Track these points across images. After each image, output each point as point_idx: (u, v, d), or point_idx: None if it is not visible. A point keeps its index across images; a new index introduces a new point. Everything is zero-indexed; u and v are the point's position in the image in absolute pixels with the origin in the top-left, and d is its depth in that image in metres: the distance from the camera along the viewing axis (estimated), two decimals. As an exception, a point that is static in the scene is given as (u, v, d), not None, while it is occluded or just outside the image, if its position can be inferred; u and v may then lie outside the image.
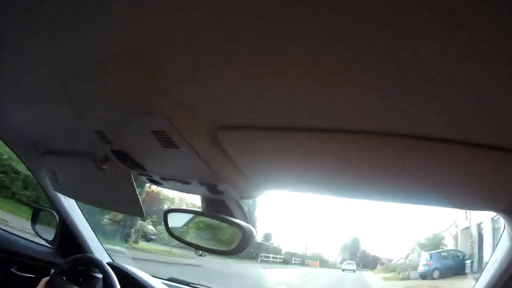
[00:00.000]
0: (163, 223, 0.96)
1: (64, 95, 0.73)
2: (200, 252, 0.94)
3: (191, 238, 0.98)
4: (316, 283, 11.34)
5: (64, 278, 1.35)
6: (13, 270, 1.53)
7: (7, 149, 1.49)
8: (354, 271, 12.59)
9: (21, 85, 0.84)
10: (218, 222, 0.94)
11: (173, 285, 1.51)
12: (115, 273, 1.27)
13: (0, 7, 0.54)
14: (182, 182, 0.83)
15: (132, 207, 1.02)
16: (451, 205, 0.81)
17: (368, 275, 12.48)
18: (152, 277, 1.44)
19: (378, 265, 13.21)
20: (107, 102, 0.70)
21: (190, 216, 0.99)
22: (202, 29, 0.43)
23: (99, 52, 0.58)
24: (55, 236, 1.59)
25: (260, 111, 0.57)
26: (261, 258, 12.02)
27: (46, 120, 1.01)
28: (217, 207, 0.92)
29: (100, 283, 1.32)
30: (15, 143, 1.41)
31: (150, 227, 8.81)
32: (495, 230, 5.71)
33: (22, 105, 0.97)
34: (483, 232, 7.11)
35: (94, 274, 1.44)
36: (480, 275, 1.00)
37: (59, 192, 1.42)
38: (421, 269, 8.76)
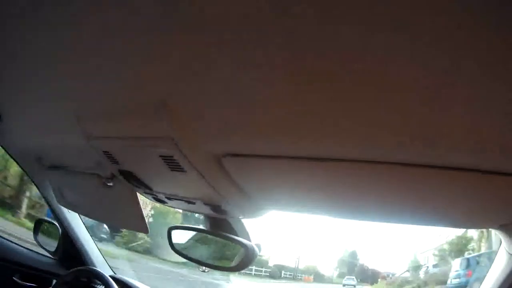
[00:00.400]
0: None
1: (73, 116, 0.76)
2: (204, 268, 0.96)
3: (194, 254, 1.00)
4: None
5: None
6: (15, 279, 1.55)
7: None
8: (355, 286, 11.89)
9: (32, 105, 0.86)
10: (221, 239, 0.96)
11: None
12: (117, 286, 1.29)
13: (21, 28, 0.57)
14: (187, 202, 0.86)
15: (136, 223, 1.04)
16: (449, 224, 0.84)
17: None
18: None
19: (379, 280, 12.76)
20: (116, 127, 0.73)
21: (193, 233, 1.01)
22: (209, 63, 0.46)
23: (114, 89, 0.60)
24: (57, 247, 1.60)
25: (264, 140, 0.59)
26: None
27: (53, 138, 1.02)
28: (221, 225, 0.94)
29: None
30: (20, 157, 1.43)
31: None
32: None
33: (30, 122, 0.99)
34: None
35: (96, 286, 1.46)
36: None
37: (63, 206, 1.44)
38: (455, 281, 5.71)
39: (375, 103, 0.43)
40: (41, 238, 1.70)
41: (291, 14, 0.36)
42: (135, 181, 0.88)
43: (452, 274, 5.94)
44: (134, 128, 0.69)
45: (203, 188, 0.75)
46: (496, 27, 0.31)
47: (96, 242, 1.63)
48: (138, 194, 1.02)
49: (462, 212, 0.72)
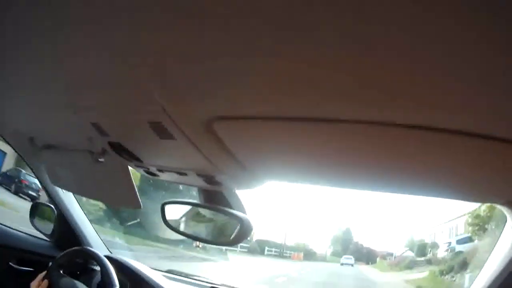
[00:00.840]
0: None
1: (62, 88, 0.74)
2: (197, 243, 0.95)
3: (189, 229, 0.98)
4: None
5: (62, 271, 1.35)
6: (11, 264, 1.54)
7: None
8: (352, 265, 11.63)
9: (17, 79, 0.84)
10: (216, 213, 0.94)
11: (171, 277, 1.52)
12: (113, 266, 1.27)
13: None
14: (179, 173, 0.84)
15: (129, 199, 1.03)
16: (453, 196, 0.80)
17: (371, 273, 10.84)
18: (151, 269, 1.45)
19: (378, 259, 12.10)
20: (104, 96, 0.70)
21: (187, 207, 0.99)
22: (197, 19, 0.43)
23: (101, 57, 0.58)
24: (53, 230, 1.59)
25: (255, 101, 0.56)
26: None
27: (43, 115, 1.01)
28: (215, 198, 0.92)
29: (98, 276, 1.32)
30: (13, 139, 1.41)
31: (31, 179, 6.79)
32: None
33: (18, 100, 0.97)
34: None
35: (92, 267, 1.45)
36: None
37: (57, 186, 1.42)
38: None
39: (374, 60, 0.40)
40: (38, 221, 1.69)
41: None
42: (126, 154, 0.86)
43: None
44: (121, 95, 0.67)
45: (195, 157, 0.72)
46: None
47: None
48: (130, 169, 1.00)
49: (466, 183, 0.69)
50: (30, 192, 7.23)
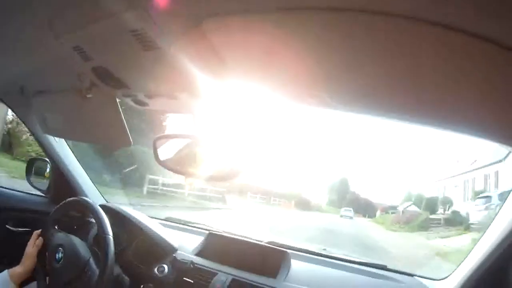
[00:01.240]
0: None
1: (40, 11, 0.69)
2: (189, 180, 0.91)
3: (182, 165, 0.93)
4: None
5: (57, 226, 1.32)
6: (8, 227, 1.53)
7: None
8: (352, 218, 11.33)
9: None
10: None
11: (170, 225, 1.50)
12: (109, 215, 1.24)
13: None
14: (168, 98, 0.78)
15: (120, 137, 0.98)
16: (459, 129, 0.66)
17: (377, 232, 9.30)
18: (149, 218, 1.43)
19: (378, 213, 11.70)
20: (82, 9, 0.65)
21: (181, 142, 0.95)
22: None
23: None
24: (49, 184, 1.57)
25: None
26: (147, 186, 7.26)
27: (28, 52, 0.96)
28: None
29: (95, 229, 1.29)
30: (4, 92, 1.36)
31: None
32: None
33: (3, 48, 0.93)
34: None
35: (89, 219, 1.42)
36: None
37: (50, 134, 1.39)
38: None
39: None
40: (34, 178, 1.67)
41: None
42: (111, 80, 0.81)
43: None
44: (100, 5, 0.61)
45: (185, 73, 0.67)
46: None
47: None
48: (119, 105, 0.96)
49: (481, 112, 0.59)
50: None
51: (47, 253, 1.24)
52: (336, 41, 0.53)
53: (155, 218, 1.51)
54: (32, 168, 1.67)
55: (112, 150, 6.63)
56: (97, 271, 1.13)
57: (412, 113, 0.66)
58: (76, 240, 1.24)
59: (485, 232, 0.98)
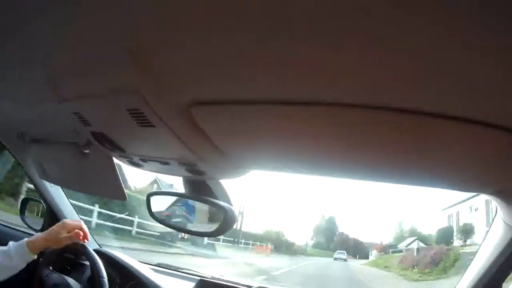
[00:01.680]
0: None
1: (44, 78, 0.74)
2: (183, 234, 0.95)
3: (174, 220, 0.98)
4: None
5: (51, 267, 1.34)
6: None
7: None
8: (345, 260, 10.60)
9: (2, 74, 0.84)
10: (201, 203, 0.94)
11: (161, 271, 1.52)
12: (103, 260, 1.27)
13: None
14: (162, 163, 0.83)
15: (114, 191, 1.03)
16: (441, 185, 0.78)
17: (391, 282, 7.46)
18: (140, 263, 1.45)
19: (374, 253, 10.63)
20: (83, 84, 0.70)
21: (173, 199, 0.99)
22: (176, 12, 0.42)
23: (80, 42, 0.58)
24: (43, 225, 1.59)
25: (235, 84, 0.55)
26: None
27: (29, 107, 1.01)
28: (200, 188, 0.92)
29: (89, 271, 1.32)
30: (2, 134, 1.41)
31: None
32: None
33: (4, 94, 0.97)
34: None
35: (82, 262, 1.44)
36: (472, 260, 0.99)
37: (46, 180, 1.42)
38: None
39: (361, 40, 0.38)
40: (28, 217, 1.69)
41: None
42: (108, 143, 0.85)
43: None
44: (100, 82, 0.67)
45: (175, 145, 0.72)
46: None
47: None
48: (115, 161, 1.00)
49: (455, 172, 0.68)
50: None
51: None
52: (329, 132, 0.61)
53: (147, 263, 1.53)
54: (26, 208, 1.69)
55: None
56: None
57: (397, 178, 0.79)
58: (71, 281, 1.27)
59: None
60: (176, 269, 1.55)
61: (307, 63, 0.44)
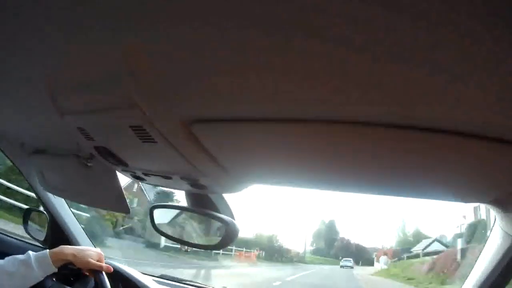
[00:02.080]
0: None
1: (47, 92, 0.74)
2: (186, 247, 0.95)
3: (177, 233, 0.98)
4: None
5: (55, 278, 1.34)
6: None
7: None
8: (352, 267, 10.22)
9: (4, 88, 0.84)
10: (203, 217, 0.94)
11: (164, 282, 1.51)
12: (106, 273, 1.27)
13: None
14: (164, 177, 0.84)
15: (117, 204, 1.03)
16: (440, 197, 0.78)
17: None
18: (143, 275, 1.45)
19: (381, 258, 9.75)
20: (87, 100, 0.70)
21: (175, 211, 0.99)
22: (175, 20, 0.42)
23: (81, 59, 0.58)
24: (46, 236, 1.59)
25: (235, 102, 0.55)
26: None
27: (32, 120, 1.01)
28: (202, 202, 0.92)
29: (92, 282, 1.32)
30: (4, 144, 1.41)
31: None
32: None
33: (7, 105, 0.98)
34: None
35: (86, 273, 1.44)
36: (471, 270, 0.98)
37: (48, 191, 1.42)
38: None
39: (362, 58, 0.39)
40: (31, 227, 1.69)
41: None
42: (112, 158, 0.86)
43: None
44: (102, 99, 0.67)
45: (177, 161, 0.72)
46: None
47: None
48: (118, 174, 1.00)
49: (453, 183, 0.68)
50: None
51: None
52: (328, 148, 0.61)
53: (150, 275, 1.52)
54: (29, 218, 1.70)
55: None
56: None
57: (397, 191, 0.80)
58: None
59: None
60: (179, 280, 1.55)
61: (306, 82, 0.44)
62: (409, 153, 0.57)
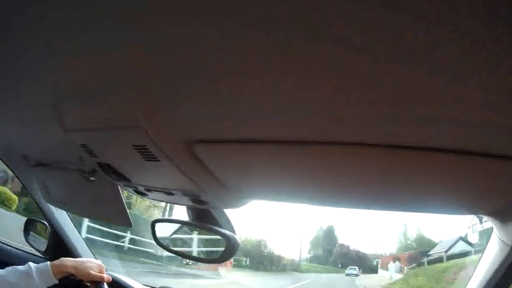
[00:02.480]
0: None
1: (51, 108, 0.75)
2: (187, 260, 0.96)
3: (178, 247, 0.99)
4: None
5: None
6: None
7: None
8: (357, 275, 9.74)
9: (10, 101, 0.85)
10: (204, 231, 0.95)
11: None
12: (107, 283, 1.27)
13: None
14: (166, 193, 0.85)
15: (120, 217, 1.04)
16: (438, 211, 0.80)
17: None
18: (144, 286, 1.45)
19: (392, 266, 8.53)
20: (91, 118, 0.72)
21: (177, 225, 1.01)
22: (176, 40, 0.43)
23: (87, 77, 0.59)
24: (47, 246, 1.60)
25: (236, 124, 0.57)
26: None
27: (36, 134, 1.02)
28: (203, 216, 0.94)
29: None
30: (7, 156, 1.42)
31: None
32: None
33: (10, 120, 0.99)
34: None
35: (86, 284, 1.45)
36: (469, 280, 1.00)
37: (50, 204, 1.43)
38: None
39: (354, 79, 0.40)
40: (32, 238, 1.70)
41: None
42: (114, 174, 0.87)
43: None
44: (106, 118, 0.69)
45: (179, 178, 0.74)
46: None
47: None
48: (120, 188, 1.02)
49: (452, 197, 0.69)
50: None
51: None
52: (325, 168, 0.63)
53: (151, 286, 1.53)
54: (30, 228, 1.70)
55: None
56: None
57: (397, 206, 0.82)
58: None
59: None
60: None
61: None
62: (409, 171, 0.58)
